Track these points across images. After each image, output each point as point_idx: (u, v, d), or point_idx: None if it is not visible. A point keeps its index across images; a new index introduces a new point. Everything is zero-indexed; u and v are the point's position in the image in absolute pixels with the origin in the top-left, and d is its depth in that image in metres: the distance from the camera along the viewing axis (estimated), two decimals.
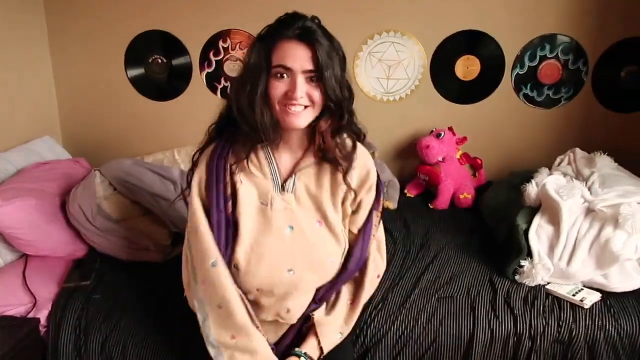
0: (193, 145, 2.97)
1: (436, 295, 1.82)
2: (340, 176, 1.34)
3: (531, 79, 2.72)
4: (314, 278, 1.36)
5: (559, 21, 2.60)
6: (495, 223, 2.35)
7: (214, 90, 2.88)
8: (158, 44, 2.82)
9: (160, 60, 2.84)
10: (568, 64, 2.67)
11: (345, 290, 1.44)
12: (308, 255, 1.32)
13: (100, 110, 2.93)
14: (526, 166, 2.76)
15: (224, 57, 2.81)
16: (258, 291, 1.32)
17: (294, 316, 1.36)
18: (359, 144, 1.43)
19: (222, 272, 1.26)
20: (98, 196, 2.10)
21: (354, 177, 1.37)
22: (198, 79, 2.86)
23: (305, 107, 1.24)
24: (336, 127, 1.31)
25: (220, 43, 2.79)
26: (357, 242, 1.41)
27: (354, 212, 1.43)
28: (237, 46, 2.79)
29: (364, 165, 1.42)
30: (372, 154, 2.78)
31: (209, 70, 2.84)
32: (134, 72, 2.86)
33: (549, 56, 2.67)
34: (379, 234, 1.50)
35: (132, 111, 2.92)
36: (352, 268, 1.39)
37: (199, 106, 2.90)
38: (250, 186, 1.33)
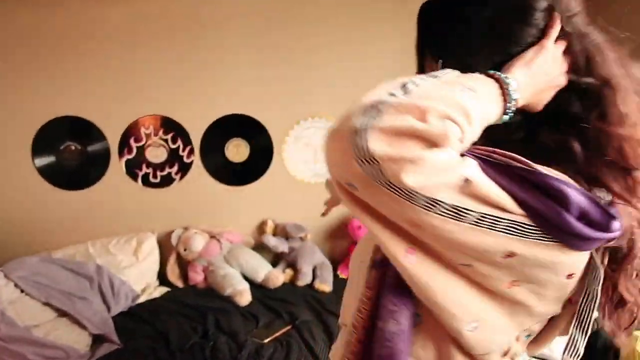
0: (109, 236, 2.76)
1: None
2: None
3: None
4: None
5: None
6: None
7: (134, 177, 2.72)
8: (71, 130, 2.65)
9: (73, 148, 2.66)
10: None
11: None
12: None
13: (1, 203, 2.61)
14: None
15: (145, 142, 2.71)
16: None
17: None
18: None
19: None
20: (2, 301, 1.80)
21: None
22: (117, 165, 2.70)
23: None
24: None
25: (142, 129, 2.69)
26: None
27: None
28: (161, 132, 2.71)
29: None
30: (305, 237, 2.77)
31: (129, 157, 2.71)
32: (43, 160, 2.63)
33: None
34: None
35: (39, 202, 2.65)
36: None
37: (118, 194, 2.72)
38: None
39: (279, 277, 2.62)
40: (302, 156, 2.85)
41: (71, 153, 2.66)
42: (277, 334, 2.12)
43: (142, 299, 2.49)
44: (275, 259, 2.86)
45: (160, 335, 2.11)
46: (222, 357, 1.93)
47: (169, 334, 2.10)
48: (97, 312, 2.09)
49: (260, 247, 2.86)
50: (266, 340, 2.07)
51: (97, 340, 1.99)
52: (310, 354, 1.95)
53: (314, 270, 2.73)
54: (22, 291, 1.89)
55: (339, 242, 2.96)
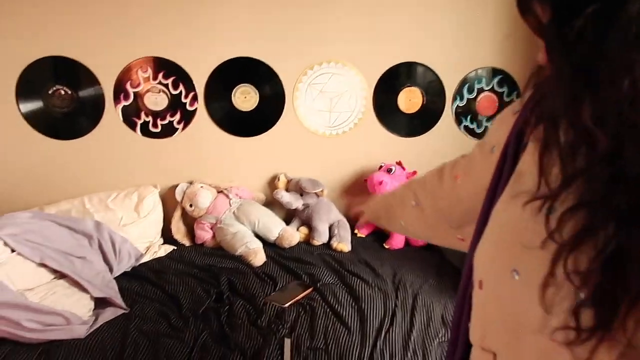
0: (107, 191, 2.53)
1: (437, 340, 1.62)
2: None
3: (470, 112, 2.72)
4: None
5: (494, 55, 2.64)
6: (461, 261, 2.22)
7: (132, 126, 2.46)
8: (59, 72, 2.36)
9: (63, 92, 2.37)
10: (503, 96, 2.71)
11: None
12: None
13: None
14: None
15: (143, 88, 2.43)
16: None
17: None
18: None
19: None
20: None
21: None
22: (112, 113, 2.43)
23: None
24: None
25: (140, 72, 2.41)
26: None
27: None
28: (160, 76, 2.43)
29: None
30: (321, 193, 2.55)
31: (126, 103, 2.43)
32: (29, 106, 2.35)
33: (486, 89, 2.70)
34: None
35: (28, 152, 2.39)
36: None
37: (114, 145, 2.46)
38: None
39: (294, 235, 2.42)
40: (316, 105, 2.60)
41: (61, 98, 2.37)
42: (298, 297, 1.94)
43: (146, 259, 2.29)
44: (288, 216, 2.65)
45: (170, 299, 1.92)
46: (239, 322, 1.75)
47: (179, 297, 1.91)
48: (99, 272, 1.89)
49: (270, 204, 2.65)
50: (287, 305, 1.89)
51: (100, 304, 1.79)
52: (337, 320, 1.77)
53: (330, 229, 2.54)
54: (12, 251, 1.67)
55: (356, 199, 2.76)
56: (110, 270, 2.04)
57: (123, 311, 1.78)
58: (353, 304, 1.87)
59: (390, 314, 1.79)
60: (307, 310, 1.84)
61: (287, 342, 1.63)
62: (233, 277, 2.09)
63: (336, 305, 1.86)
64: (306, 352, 1.61)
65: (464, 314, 0.69)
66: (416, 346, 1.60)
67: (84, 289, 1.73)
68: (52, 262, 1.70)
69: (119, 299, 1.81)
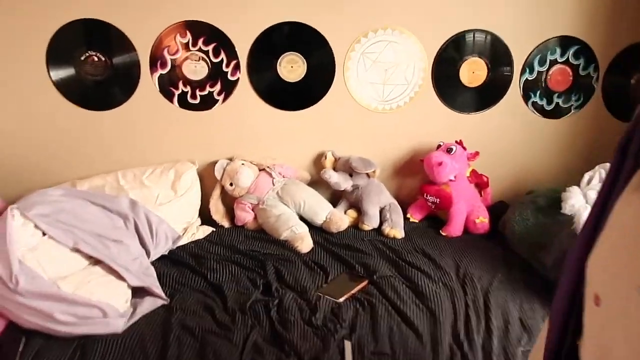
0: (142, 166, 2.36)
1: (520, 348, 1.42)
2: None
3: (541, 86, 2.43)
4: None
5: (572, 23, 2.33)
6: (531, 252, 2.00)
7: (169, 97, 2.26)
8: (92, 37, 2.16)
9: (96, 59, 2.18)
10: (579, 69, 2.41)
11: None
12: None
13: (11, 124, 2.19)
14: (536, 183, 2.47)
15: (182, 55, 2.22)
16: None
17: None
18: None
19: None
20: (20, 247, 1.42)
21: None
22: (148, 82, 2.23)
23: None
24: None
25: (178, 38, 2.19)
26: None
27: None
28: (200, 42, 2.21)
29: None
30: (373, 173, 2.33)
31: (163, 72, 2.23)
32: (60, 73, 2.17)
33: (560, 60, 2.40)
34: None
35: (58, 123, 2.22)
36: None
37: (150, 117, 2.27)
38: None
39: (343, 219, 2.22)
40: (369, 76, 2.35)
41: (94, 65, 2.18)
42: (353, 291, 1.74)
43: (183, 241, 2.12)
44: (334, 197, 2.44)
45: (213, 289, 1.75)
46: (292, 320, 1.56)
47: (223, 287, 1.73)
48: (136, 258, 1.72)
49: (314, 184, 2.45)
50: (341, 299, 1.69)
51: (137, 293, 1.63)
52: (402, 320, 1.57)
53: (380, 212, 2.32)
54: (44, 234, 1.51)
55: (408, 180, 2.53)
56: (147, 254, 1.88)
57: (163, 302, 1.62)
58: (417, 302, 1.66)
59: (463, 315, 1.57)
60: (365, 307, 1.64)
61: (348, 345, 1.44)
62: (280, 265, 1.90)
63: (398, 303, 1.65)
64: (370, 358, 1.41)
65: (568, 328, 0.61)
66: (500, 356, 1.39)
67: (120, 277, 1.57)
68: (87, 247, 1.53)
69: (158, 289, 1.64)
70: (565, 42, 2.36)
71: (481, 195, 2.45)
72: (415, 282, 1.77)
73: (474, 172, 2.40)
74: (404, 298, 1.68)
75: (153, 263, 1.89)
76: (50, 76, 2.15)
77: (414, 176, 2.51)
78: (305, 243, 2.06)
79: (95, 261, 1.58)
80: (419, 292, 1.71)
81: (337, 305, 1.66)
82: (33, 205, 1.60)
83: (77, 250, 1.54)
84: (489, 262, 1.98)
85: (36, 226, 1.49)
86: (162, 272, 1.82)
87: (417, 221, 2.38)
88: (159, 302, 1.61)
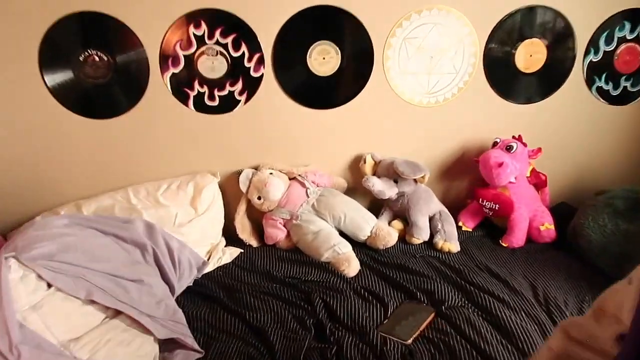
0: (156, 180, 2.06)
1: None
2: None
3: (607, 68, 2.12)
4: None
5: None
6: (617, 266, 1.71)
7: (183, 99, 1.95)
8: (91, 33, 1.84)
9: (97, 58, 1.86)
10: None
11: None
12: None
13: (2, 139, 1.88)
14: (603, 182, 2.19)
15: (197, 50, 1.90)
16: None
17: None
18: None
19: None
20: (20, 307, 1.13)
21: None
22: (158, 83, 1.92)
23: None
24: None
25: (192, 29, 1.88)
26: None
27: None
28: (218, 34, 1.89)
29: None
30: (422, 179, 2.03)
31: (175, 70, 1.92)
32: (56, 77, 1.85)
33: (629, 38, 2.08)
34: None
35: (56, 136, 1.91)
36: None
37: (162, 123, 1.97)
38: None
39: (391, 234, 1.92)
40: (412, 66, 2.03)
41: (94, 66, 1.87)
42: (421, 328, 1.46)
43: (209, 268, 1.83)
44: (373, 205, 2.14)
45: (254, 333, 1.46)
46: None
47: (267, 331, 1.44)
48: (160, 300, 1.43)
49: (350, 190, 2.15)
50: (410, 341, 1.41)
51: (166, 344, 1.35)
52: None
53: (429, 222, 2.03)
54: (49, 286, 1.21)
55: (456, 183, 2.23)
56: (171, 290, 1.59)
57: (197, 356, 1.33)
58: (503, 341, 1.37)
59: None
60: (442, 351, 1.36)
61: None
62: (327, 296, 1.61)
63: (479, 342, 1.37)
64: None
65: None
66: None
67: (145, 329, 1.28)
68: (103, 297, 1.24)
69: (190, 338, 1.36)
70: (635, 16, 2.04)
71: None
72: (493, 312, 1.49)
73: (534, 171, 2.10)
74: (485, 335, 1.39)
75: (178, 300, 1.61)
76: (44, 82, 1.83)
77: (463, 178, 2.22)
78: (352, 266, 1.77)
79: (114, 312, 1.30)
80: (501, 327, 1.42)
81: (407, 349, 1.37)
82: (33, 244, 1.30)
83: (91, 302, 1.25)
84: (569, 280, 1.70)
85: (39, 277, 1.20)
86: (191, 313, 1.53)
87: (470, 230, 2.09)
88: (193, 357, 1.32)
